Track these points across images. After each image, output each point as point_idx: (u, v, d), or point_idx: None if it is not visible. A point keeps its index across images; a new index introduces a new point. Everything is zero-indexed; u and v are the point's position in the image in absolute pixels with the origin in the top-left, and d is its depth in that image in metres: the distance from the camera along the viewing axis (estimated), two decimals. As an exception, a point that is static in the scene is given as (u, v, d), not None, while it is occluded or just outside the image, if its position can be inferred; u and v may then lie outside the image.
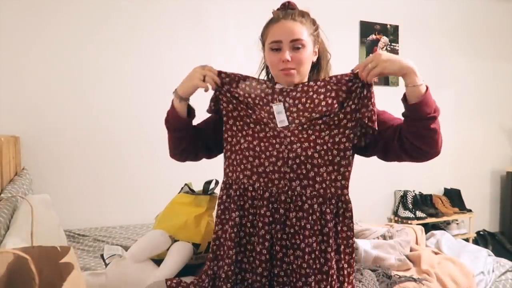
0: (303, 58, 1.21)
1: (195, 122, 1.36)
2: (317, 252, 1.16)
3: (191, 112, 1.31)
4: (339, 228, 1.18)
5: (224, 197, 1.26)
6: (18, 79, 2.45)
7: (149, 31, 2.73)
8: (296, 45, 1.20)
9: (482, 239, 3.73)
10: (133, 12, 2.69)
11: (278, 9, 1.28)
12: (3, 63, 2.42)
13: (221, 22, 2.92)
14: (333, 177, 1.17)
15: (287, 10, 1.25)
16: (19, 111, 2.46)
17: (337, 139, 1.17)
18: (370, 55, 1.14)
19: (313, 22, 1.27)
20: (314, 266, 1.15)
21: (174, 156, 1.36)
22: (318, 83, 1.19)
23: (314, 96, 1.18)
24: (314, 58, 1.28)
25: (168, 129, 1.32)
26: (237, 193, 1.23)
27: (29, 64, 2.47)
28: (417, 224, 2.73)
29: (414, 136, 1.12)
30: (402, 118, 1.17)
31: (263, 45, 1.29)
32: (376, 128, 1.15)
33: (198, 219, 1.41)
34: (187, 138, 1.31)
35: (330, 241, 1.16)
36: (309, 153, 1.16)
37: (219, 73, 1.27)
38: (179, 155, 1.35)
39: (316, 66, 1.32)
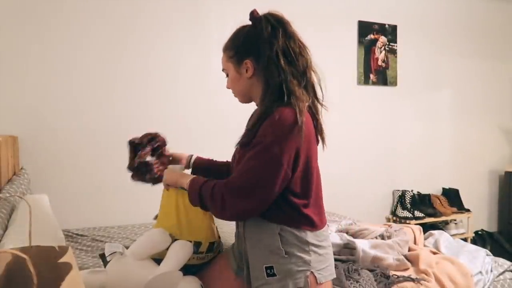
0: (229, 85, 1.33)
1: None
2: None
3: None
4: None
5: None
6: (17, 79, 2.45)
7: (148, 31, 2.73)
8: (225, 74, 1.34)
9: (480, 239, 3.74)
10: (131, 13, 2.69)
11: None
12: (1, 63, 2.41)
13: (220, 21, 2.91)
14: None
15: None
16: (17, 111, 2.45)
17: None
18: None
19: (235, 40, 1.30)
20: None
21: None
22: None
23: None
24: (249, 74, 1.25)
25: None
26: None
27: (28, 64, 2.46)
28: (415, 224, 2.74)
29: None
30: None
31: None
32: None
33: (201, 218, 1.41)
34: None
35: None
36: None
37: None
38: None
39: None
